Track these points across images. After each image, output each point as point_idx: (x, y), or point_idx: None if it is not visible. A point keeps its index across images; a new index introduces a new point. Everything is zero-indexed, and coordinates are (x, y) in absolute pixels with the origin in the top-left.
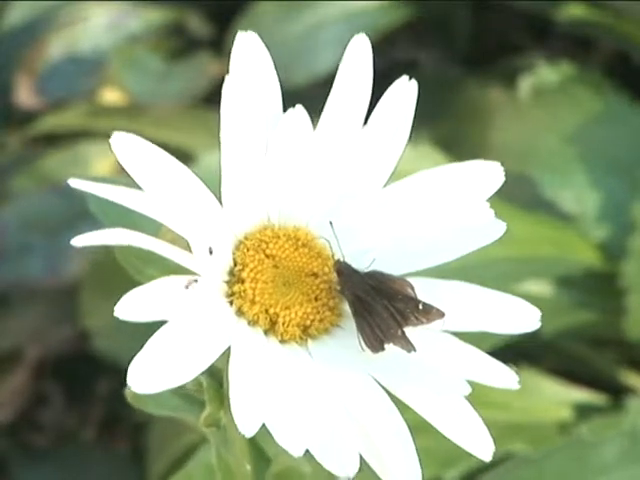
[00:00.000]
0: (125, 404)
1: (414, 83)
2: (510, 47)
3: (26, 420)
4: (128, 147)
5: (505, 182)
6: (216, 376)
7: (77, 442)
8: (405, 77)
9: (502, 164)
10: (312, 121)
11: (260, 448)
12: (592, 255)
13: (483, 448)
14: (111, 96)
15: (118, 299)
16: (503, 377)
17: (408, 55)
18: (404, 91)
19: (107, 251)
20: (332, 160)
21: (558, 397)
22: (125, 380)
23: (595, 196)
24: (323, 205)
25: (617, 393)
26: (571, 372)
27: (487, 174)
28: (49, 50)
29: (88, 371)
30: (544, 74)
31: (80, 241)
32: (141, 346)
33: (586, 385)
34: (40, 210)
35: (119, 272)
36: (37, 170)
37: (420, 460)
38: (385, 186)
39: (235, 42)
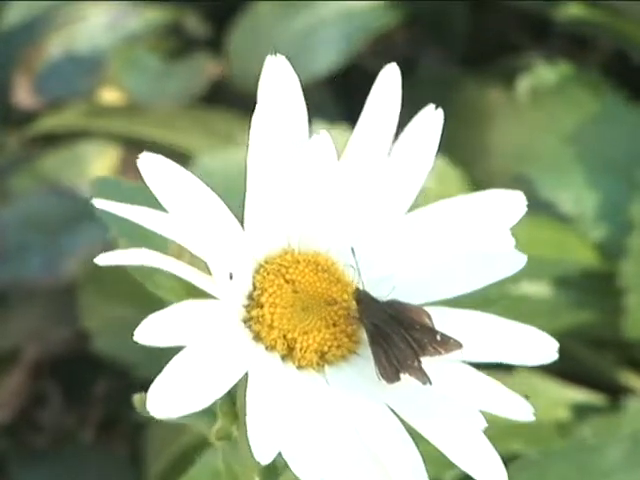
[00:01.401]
0: (124, 405)
1: (440, 112)
2: (508, 47)
3: (24, 420)
4: (155, 168)
5: (502, 182)
6: (229, 392)
7: (76, 443)
8: (432, 106)
9: (499, 164)
10: (310, 122)
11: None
12: (590, 255)
13: None
14: (110, 96)
15: (115, 299)
16: (518, 409)
17: (406, 55)
18: (430, 120)
19: (104, 250)
20: (355, 187)
21: (556, 397)
22: (124, 380)
23: (593, 196)
24: (344, 231)
25: (616, 393)
26: (569, 372)
27: (509, 203)
28: (48, 50)
29: (87, 372)
30: (542, 74)
31: (104, 260)
32: (139, 348)
33: (585, 385)
34: (39, 210)
35: (116, 272)
36: (36, 170)
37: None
38: (407, 213)
39: (264, 67)
